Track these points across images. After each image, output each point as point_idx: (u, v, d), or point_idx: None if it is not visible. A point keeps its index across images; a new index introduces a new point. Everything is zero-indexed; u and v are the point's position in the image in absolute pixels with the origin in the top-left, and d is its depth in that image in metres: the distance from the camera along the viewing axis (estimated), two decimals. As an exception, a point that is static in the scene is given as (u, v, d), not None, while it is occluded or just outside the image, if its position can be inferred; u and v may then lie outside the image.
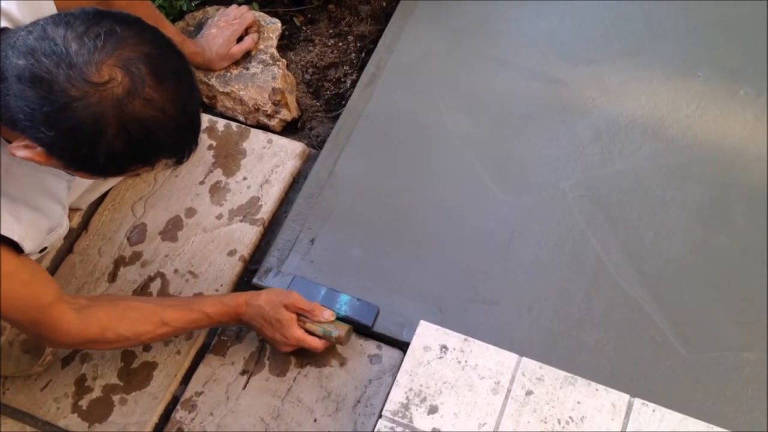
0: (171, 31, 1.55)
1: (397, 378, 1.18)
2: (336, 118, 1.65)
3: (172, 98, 0.92)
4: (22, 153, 0.94)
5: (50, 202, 1.18)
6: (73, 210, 1.52)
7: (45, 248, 1.20)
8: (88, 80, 0.87)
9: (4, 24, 1.00)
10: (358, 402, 1.28)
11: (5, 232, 1.04)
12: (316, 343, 1.27)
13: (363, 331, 1.35)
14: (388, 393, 1.20)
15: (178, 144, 0.98)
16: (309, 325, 1.27)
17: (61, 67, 0.87)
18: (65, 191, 1.25)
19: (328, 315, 1.28)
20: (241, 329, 1.38)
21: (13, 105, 0.89)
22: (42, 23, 0.90)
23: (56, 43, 0.87)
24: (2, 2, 1.02)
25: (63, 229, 1.24)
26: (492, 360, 1.18)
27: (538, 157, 1.49)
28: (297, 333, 1.26)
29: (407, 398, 1.16)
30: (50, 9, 1.10)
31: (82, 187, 1.45)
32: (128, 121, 0.89)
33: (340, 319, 1.31)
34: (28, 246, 1.08)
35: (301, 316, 1.27)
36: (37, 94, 0.87)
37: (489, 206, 1.44)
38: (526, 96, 1.57)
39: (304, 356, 1.32)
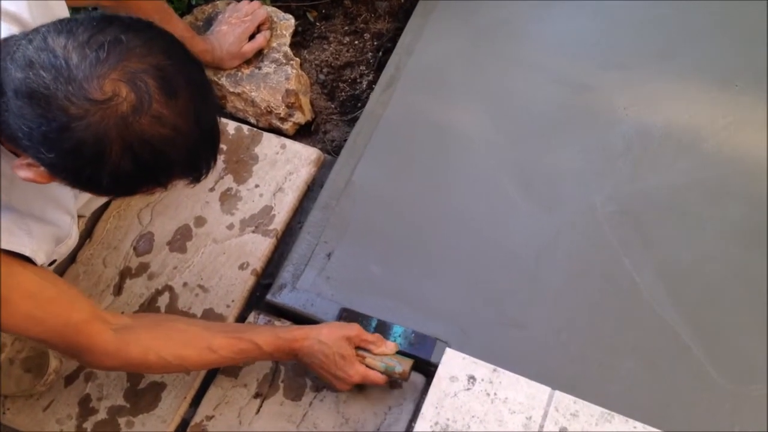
0: (180, 26, 1.47)
1: (422, 411, 1.12)
2: (351, 120, 1.58)
3: (184, 113, 0.83)
4: (24, 173, 0.87)
5: (58, 212, 1.11)
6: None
7: (54, 261, 1.13)
8: (88, 98, 0.78)
9: (13, 28, 0.92)
10: (378, 430, 1.21)
11: (16, 248, 0.97)
12: (380, 379, 1.19)
13: (420, 367, 1.25)
14: (410, 420, 1.14)
15: (193, 162, 0.89)
16: (369, 360, 1.19)
17: (60, 82, 0.78)
18: (72, 200, 1.17)
19: (392, 347, 1.20)
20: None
21: (11, 122, 0.81)
22: (43, 30, 0.82)
23: (56, 54, 0.79)
24: (12, 4, 0.95)
25: (72, 240, 1.17)
26: (523, 393, 1.11)
27: (566, 168, 1.41)
28: (361, 369, 1.18)
29: (433, 433, 1.10)
30: (62, 8, 1.03)
31: (87, 195, 1.37)
32: (134, 141, 0.81)
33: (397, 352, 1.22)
34: (40, 260, 1.02)
35: (360, 350, 1.19)
36: (34, 112, 0.79)
37: (515, 221, 1.37)
38: (554, 102, 1.49)
39: (320, 380, 1.25)
